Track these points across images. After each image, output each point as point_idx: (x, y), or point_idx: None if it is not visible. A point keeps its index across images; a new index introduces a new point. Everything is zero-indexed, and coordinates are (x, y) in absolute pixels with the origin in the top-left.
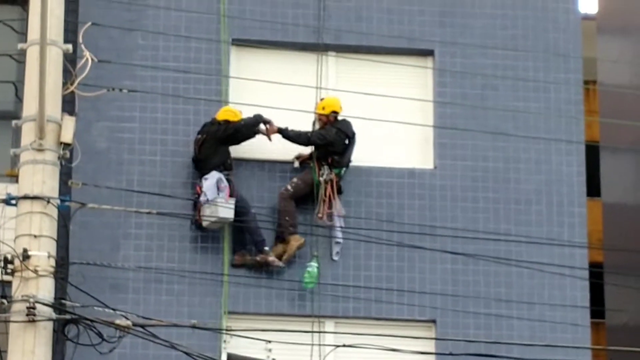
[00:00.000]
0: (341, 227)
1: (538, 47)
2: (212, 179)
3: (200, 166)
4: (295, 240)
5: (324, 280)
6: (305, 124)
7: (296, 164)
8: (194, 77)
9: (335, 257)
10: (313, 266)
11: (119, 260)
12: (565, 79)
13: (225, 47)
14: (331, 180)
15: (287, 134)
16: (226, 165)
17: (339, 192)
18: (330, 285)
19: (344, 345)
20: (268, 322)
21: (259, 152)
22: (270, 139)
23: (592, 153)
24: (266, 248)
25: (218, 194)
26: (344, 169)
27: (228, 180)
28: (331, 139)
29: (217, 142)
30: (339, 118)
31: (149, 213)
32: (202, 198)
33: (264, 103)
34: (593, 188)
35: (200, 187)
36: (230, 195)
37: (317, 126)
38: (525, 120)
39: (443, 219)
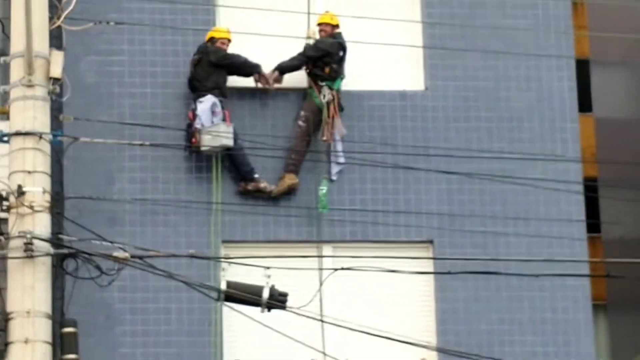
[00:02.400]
0: (342, 149)
1: None
2: (207, 102)
3: (195, 86)
4: (290, 179)
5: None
6: (296, 49)
7: (272, 87)
8: (181, 8)
9: (334, 177)
10: (324, 189)
11: (114, 193)
12: None
13: None
14: (332, 99)
15: (284, 68)
16: (221, 89)
17: (341, 109)
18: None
19: (343, 269)
20: (266, 249)
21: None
22: (269, 85)
23: (583, 68)
24: (256, 175)
25: (212, 119)
26: (336, 82)
27: (222, 106)
28: (328, 48)
29: (211, 64)
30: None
31: (142, 145)
32: (196, 122)
33: (253, 30)
34: (585, 103)
35: (194, 111)
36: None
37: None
38: (515, 38)
39: (436, 140)
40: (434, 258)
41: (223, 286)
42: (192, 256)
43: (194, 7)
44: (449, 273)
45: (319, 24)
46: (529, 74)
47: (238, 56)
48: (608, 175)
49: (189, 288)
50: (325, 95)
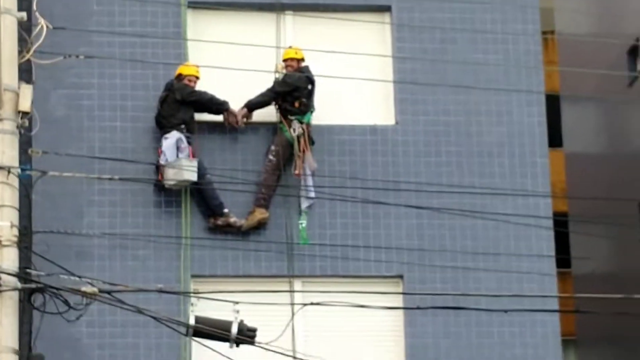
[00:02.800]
0: (313, 183)
1: None
2: (172, 138)
3: (162, 123)
4: (260, 214)
5: (290, 240)
6: (265, 83)
7: (241, 124)
8: (151, 42)
9: (307, 210)
10: (303, 223)
11: (83, 228)
12: (523, 29)
13: (183, 10)
14: (303, 132)
15: (252, 105)
16: (188, 126)
17: (311, 143)
18: (296, 245)
19: (312, 304)
20: (235, 284)
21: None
22: (237, 125)
23: (553, 103)
24: (225, 210)
25: (178, 154)
26: (307, 116)
27: (189, 141)
28: (296, 83)
29: (177, 101)
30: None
31: (111, 179)
32: (161, 158)
33: (223, 64)
34: (555, 138)
35: (160, 148)
36: (192, 156)
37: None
38: (485, 73)
39: (406, 174)
40: (403, 293)
41: (192, 321)
42: (160, 291)
43: (164, 41)
44: (418, 308)
45: (285, 60)
46: (500, 108)
47: (205, 93)
48: (578, 210)
49: (157, 323)
50: (296, 129)
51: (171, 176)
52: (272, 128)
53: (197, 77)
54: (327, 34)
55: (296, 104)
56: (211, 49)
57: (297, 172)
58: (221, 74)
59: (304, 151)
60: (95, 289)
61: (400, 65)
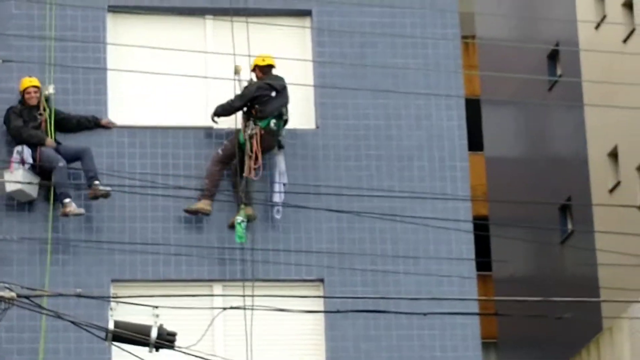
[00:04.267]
0: (282, 184)
1: (415, 4)
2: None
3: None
4: (204, 204)
5: (210, 244)
6: (191, 87)
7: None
8: (71, 45)
9: (277, 216)
10: (239, 219)
11: (1, 232)
12: (442, 34)
13: (103, 14)
14: (255, 135)
15: (218, 113)
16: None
17: (279, 147)
18: (216, 249)
19: (232, 308)
20: (155, 288)
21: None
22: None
23: (474, 107)
24: (66, 200)
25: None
26: (272, 120)
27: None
28: (251, 95)
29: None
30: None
31: (29, 183)
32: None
33: (144, 69)
34: (475, 142)
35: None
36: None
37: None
38: (405, 77)
39: (327, 178)
40: (324, 297)
41: (111, 326)
42: (79, 295)
43: (83, 45)
44: (338, 312)
45: (253, 68)
46: (419, 112)
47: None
48: (498, 214)
49: (77, 328)
50: (249, 129)
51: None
52: (201, 131)
53: (37, 87)
54: (249, 38)
55: (253, 111)
56: (132, 53)
57: (245, 173)
58: (143, 78)
59: (256, 153)
60: (13, 294)
61: (320, 70)
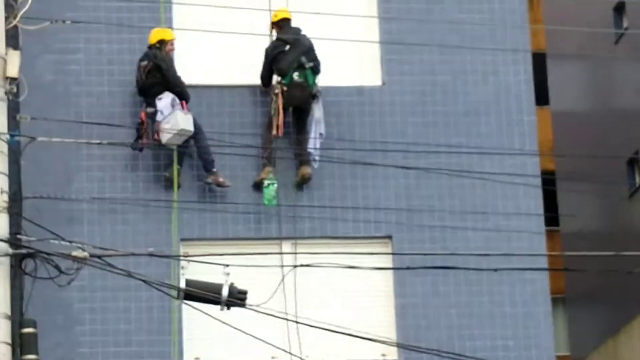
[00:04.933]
0: (319, 134)
1: None
2: (166, 98)
3: (147, 92)
4: (264, 173)
5: (279, 202)
6: (255, 45)
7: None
8: (137, 5)
9: (315, 165)
10: (269, 184)
11: (73, 193)
12: None
13: None
14: (277, 94)
15: (264, 85)
16: (176, 91)
17: (313, 97)
18: (285, 207)
19: (302, 265)
20: (225, 246)
21: (218, 78)
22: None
23: (539, 62)
24: (214, 169)
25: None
26: (294, 73)
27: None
28: (271, 57)
29: (161, 72)
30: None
31: (99, 144)
32: (158, 116)
33: (209, 28)
34: (541, 97)
35: (146, 112)
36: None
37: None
38: (471, 32)
39: (394, 135)
40: (392, 253)
41: (182, 284)
42: (150, 254)
43: (150, 4)
44: (407, 268)
45: (271, 28)
46: (486, 68)
47: (180, 79)
48: (565, 169)
49: (148, 287)
50: (275, 90)
51: (168, 128)
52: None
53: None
54: None
55: (274, 71)
56: (198, 12)
57: (274, 132)
58: (207, 37)
59: (278, 111)
60: (85, 254)
61: (386, 26)
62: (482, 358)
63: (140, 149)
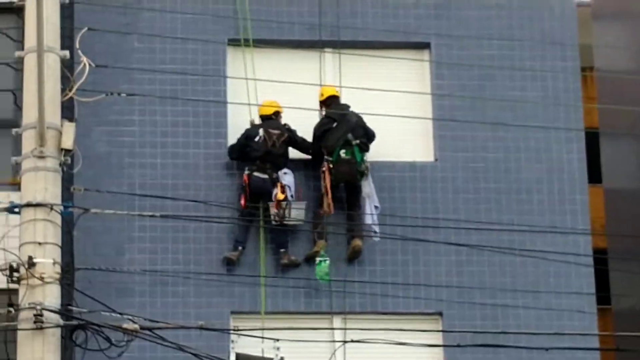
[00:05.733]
0: (374, 207)
1: (534, 36)
2: (290, 175)
3: (269, 159)
4: (317, 247)
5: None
6: (305, 120)
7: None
8: (191, 79)
9: (376, 239)
10: (321, 261)
11: (124, 264)
12: (562, 66)
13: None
14: (324, 171)
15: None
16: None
17: (362, 174)
18: (336, 282)
19: (352, 341)
20: (275, 320)
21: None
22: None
23: (592, 139)
24: (282, 250)
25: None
26: (341, 151)
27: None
28: (318, 135)
29: (289, 142)
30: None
31: (152, 216)
32: (288, 193)
33: (260, 102)
34: (594, 174)
35: (250, 177)
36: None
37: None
38: (524, 110)
39: (445, 211)
40: (443, 331)
41: (232, 358)
42: (201, 328)
43: (204, 78)
44: (458, 346)
45: (320, 106)
46: (538, 145)
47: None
48: (618, 247)
49: None
50: (323, 168)
51: (296, 215)
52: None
53: None
54: (367, 71)
55: (322, 149)
56: (251, 86)
57: (325, 209)
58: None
59: (326, 189)
60: (136, 326)
61: (439, 102)
62: None
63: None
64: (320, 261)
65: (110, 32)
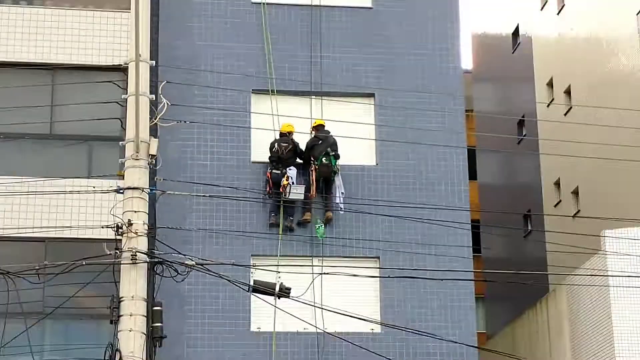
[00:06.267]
0: (341, 193)
1: (439, 89)
2: (293, 170)
3: (281, 162)
4: (306, 215)
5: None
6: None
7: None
8: (230, 113)
9: (341, 212)
10: (319, 226)
11: (187, 225)
12: (454, 109)
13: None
14: (312, 170)
15: (306, 161)
16: (296, 164)
17: (334, 173)
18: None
19: (326, 273)
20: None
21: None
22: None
23: (471, 153)
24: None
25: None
26: (323, 158)
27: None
28: (308, 147)
29: (295, 151)
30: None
31: (203, 196)
32: (290, 181)
33: (277, 129)
34: (472, 174)
35: (272, 173)
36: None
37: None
38: (434, 135)
39: (382, 196)
40: (379, 268)
41: (252, 282)
42: (232, 264)
43: (237, 112)
44: (388, 277)
45: (311, 130)
46: (440, 156)
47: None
48: (485, 218)
49: (231, 285)
50: (311, 168)
51: (296, 192)
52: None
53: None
54: (335, 110)
55: (311, 157)
56: (269, 119)
57: (309, 194)
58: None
59: (312, 181)
60: (193, 262)
61: (379, 129)
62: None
63: (266, 194)
64: (319, 226)
65: (180, 84)
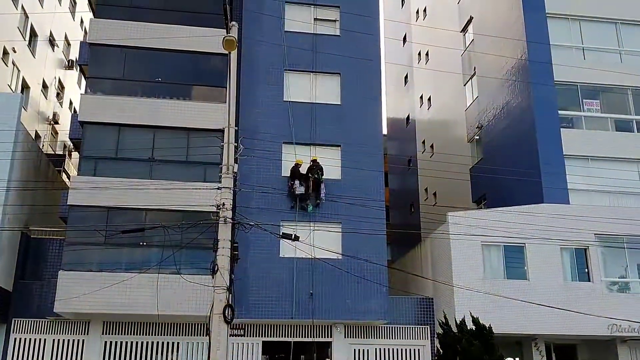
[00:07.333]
0: (324, 192)
1: (368, 141)
2: (298, 182)
3: (294, 177)
4: (305, 204)
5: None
6: (305, 166)
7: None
8: (270, 155)
9: (323, 201)
10: (310, 206)
11: (250, 205)
12: (377, 159)
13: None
14: (310, 180)
15: (307, 186)
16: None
17: (320, 182)
18: (312, 212)
19: (315, 229)
20: (295, 222)
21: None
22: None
23: (387, 173)
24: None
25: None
26: (315, 175)
27: (300, 184)
28: (307, 170)
29: (300, 176)
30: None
31: (259, 191)
32: (298, 188)
33: (293, 160)
34: (387, 183)
35: (293, 184)
36: (308, 188)
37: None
38: (356, 164)
39: (343, 193)
40: (342, 232)
41: (281, 232)
42: (272, 224)
43: (275, 154)
44: (349, 232)
45: (311, 162)
46: (370, 175)
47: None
48: (394, 217)
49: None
50: (309, 179)
51: (297, 192)
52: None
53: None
54: (322, 152)
55: (310, 174)
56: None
57: (309, 192)
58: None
59: (308, 186)
60: (252, 223)
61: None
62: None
63: (290, 195)
64: (310, 207)
65: (245, 138)
